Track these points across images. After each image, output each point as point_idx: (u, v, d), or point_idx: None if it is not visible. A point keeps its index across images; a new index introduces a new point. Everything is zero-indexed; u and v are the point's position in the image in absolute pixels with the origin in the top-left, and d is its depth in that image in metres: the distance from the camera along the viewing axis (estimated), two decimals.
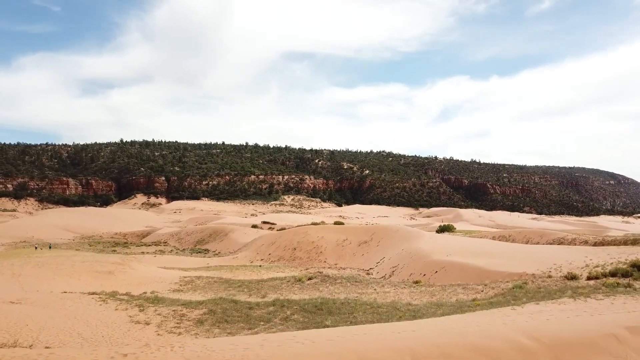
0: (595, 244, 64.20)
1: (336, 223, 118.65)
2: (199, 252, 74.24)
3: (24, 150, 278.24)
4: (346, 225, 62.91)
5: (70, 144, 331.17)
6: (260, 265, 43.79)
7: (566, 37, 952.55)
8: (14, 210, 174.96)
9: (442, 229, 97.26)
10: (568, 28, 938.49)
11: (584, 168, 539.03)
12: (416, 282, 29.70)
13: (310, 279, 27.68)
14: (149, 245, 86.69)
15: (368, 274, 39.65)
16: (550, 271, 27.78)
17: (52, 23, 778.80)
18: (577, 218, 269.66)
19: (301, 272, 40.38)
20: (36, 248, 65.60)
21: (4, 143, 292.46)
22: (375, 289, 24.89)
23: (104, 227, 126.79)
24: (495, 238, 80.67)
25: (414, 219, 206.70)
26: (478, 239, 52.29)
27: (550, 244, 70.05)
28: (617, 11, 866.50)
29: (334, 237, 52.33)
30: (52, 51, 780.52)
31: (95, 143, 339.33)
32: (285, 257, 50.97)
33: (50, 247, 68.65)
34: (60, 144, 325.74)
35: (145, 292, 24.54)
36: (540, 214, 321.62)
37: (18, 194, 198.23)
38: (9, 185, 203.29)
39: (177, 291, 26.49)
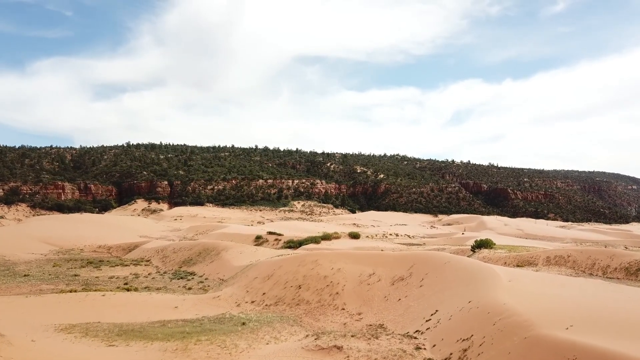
0: None
1: (351, 235, 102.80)
2: (182, 277, 59.04)
3: (24, 153, 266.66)
4: (371, 252, 47.08)
5: (77, 147, 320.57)
6: (244, 323, 28.18)
7: (581, 39, 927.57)
8: (2, 217, 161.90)
9: (478, 245, 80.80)
10: (583, 29, 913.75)
11: (604, 172, 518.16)
12: None
13: None
14: (127, 265, 71.60)
15: (417, 347, 23.81)
16: None
17: (65, 28, 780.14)
18: (608, 226, 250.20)
19: (307, 339, 24.74)
20: None
21: (5, 146, 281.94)
22: None
23: (91, 237, 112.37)
24: (551, 259, 64.13)
25: (434, 227, 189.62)
26: (583, 279, 36.01)
27: (627, 268, 53.90)
28: (634, 12, 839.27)
29: (355, 270, 36.53)
30: (66, 56, 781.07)
31: (101, 146, 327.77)
32: (285, 300, 35.35)
33: None
34: (65, 146, 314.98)
35: None
36: (567, 221, 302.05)
37: (9, 199, 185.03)
38: None
39: None
